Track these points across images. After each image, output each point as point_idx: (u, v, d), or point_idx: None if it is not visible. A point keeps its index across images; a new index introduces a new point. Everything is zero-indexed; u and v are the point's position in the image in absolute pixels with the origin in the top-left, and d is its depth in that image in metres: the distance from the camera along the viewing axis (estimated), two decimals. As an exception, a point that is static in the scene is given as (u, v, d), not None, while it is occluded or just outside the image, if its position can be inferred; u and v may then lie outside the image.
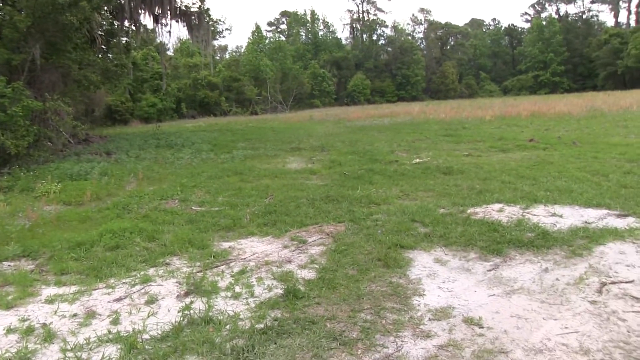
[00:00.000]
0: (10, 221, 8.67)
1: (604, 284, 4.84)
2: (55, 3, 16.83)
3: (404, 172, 11.60)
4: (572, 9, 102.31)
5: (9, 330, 4.42)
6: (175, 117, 55.07)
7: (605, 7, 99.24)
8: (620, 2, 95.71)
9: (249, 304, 4.73)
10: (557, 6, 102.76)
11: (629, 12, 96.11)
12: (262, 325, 4.20)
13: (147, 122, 48.26)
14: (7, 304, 5.00)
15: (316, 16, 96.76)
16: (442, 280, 5.16)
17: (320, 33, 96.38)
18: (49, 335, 4.26)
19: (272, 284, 5.20)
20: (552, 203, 8.09)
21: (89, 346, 4.06)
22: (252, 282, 5.27)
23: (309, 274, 5.42)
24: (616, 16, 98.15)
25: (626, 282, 4.87)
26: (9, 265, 6.38)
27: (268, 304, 4.67)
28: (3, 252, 6.75)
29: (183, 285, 5.24)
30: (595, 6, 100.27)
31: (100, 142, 24.70)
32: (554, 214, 7.44)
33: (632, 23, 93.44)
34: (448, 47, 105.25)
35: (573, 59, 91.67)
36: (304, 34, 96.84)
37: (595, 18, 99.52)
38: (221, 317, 4.42)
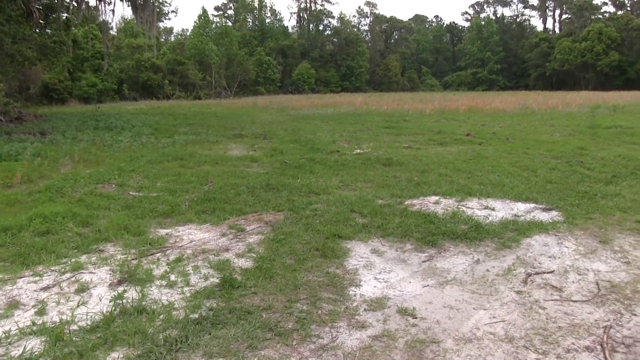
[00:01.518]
0: None
1: (529, 275, 5.07)
2: (-14, -30, 15.85)
3: (345, 163, 11.71)
4: (507, 12, 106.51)
5: None
6: (116, 98, 53.37)
7: (536, 13, 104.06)
8: (547, 10, 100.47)
9: (184, 293, 4.65)
10: (494, 8, 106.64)
11: (554, 20, 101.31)
12: (196, 315, 4.14)
13: (87, 102, 46.58)
14: None
15: (264, 3, 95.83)
16: (378, 270, 5.25)
17: (267, 20, 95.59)
18: (-32, 329, 4.01)
19: (209, 272, 5.13)
20: (486, 196, 8.39)
21: (8, 340, 3.80)
22: (188, 270, 5.18)
23: (246, 263, 5.39)
24: (544, 22, 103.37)
25: (548, 273, 5.13)
26: None
27: (204, 293, 4.60)
28: None
29: (116, 273, 5.08)
30: (527, 11, 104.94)
31: (34, 122, 23.54)
32: (486, 207, 7.71)
33: (557, 30, 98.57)
34: (392, 40, 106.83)
35: (508, 59, 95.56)
36: (250, 21, 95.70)
37: (527, 22, 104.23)
38: (155, 307, 4.32)
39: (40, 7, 23.97)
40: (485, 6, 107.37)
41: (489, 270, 5.21)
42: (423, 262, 5.49)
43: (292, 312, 4.23)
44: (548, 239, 6.19)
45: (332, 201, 8.01)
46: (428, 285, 4.86)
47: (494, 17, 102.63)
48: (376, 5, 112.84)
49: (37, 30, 24.24)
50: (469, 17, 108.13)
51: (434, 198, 8.31)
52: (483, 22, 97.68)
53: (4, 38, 19.70)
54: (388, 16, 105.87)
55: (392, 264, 5.43)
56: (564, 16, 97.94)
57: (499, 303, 4.47)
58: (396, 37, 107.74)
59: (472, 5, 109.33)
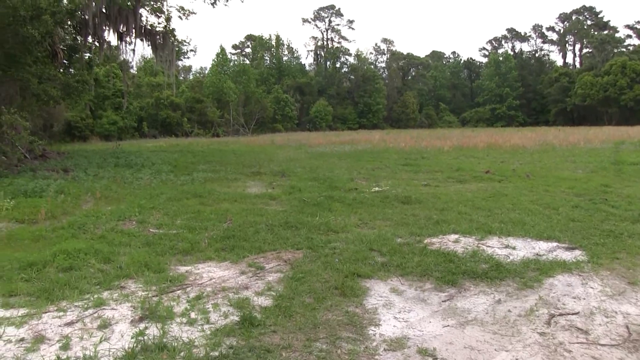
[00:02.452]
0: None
1: (552, 316, 4.99)
2: (16, 15, 16.48)
3: (363, 200, 11.72)
4: (526, 47, 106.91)
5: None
6: (136, 135, 54.38)
7: (555, 48, 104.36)
8: (567, 45, 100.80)
9: (205, 330, 4.66)
10: (512, 43, 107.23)
11: (574, 55, 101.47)
12: (217, 353, 4.15)
13: (108, 139, 47.51)
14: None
15: (281, 41, 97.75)
16: (397, 310, 5.21)
17: (285, 58, 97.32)
18: (-8, 362, 4.09)
19: (229, 310, 5.14)
20: (506, 235, 8.31)
21: (35, 374, 3.88)
22: (208, 308, 5.20)
23: (265, 301, 5.39)
24: (564, 57, 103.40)
25: (572, 314, 5.04)
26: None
27: (224, 331, 4.61)
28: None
29: (138, 310, 5.12)
30: (546, 46, 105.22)
31: (57, 159, 24.08)
32: (507, 246, 7.64)
33: (577, 64, 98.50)
34: (409, 77, 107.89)
35: (527, 94, 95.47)
36: (268, 59, 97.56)
37: (546, 57, 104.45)
38: (176, 344, 4.34)
39: (65, 48, 24.78)
40: (503, 42, 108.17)
41: (510, 311, 5.14)
42: (443, 301, 5.44)
43: (312, 351, 4.21)
44: (572, 279, 6.10)
45: (351, 239, 8.01)
46: (448, 325, 4.81)
47: (511, 53, 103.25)
48: (393, 42, 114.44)
49: (61, 70, 24.99)
50: (487, 53, 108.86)
51: (454, 236, 8.26)
52: (501, 58, 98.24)
53: (30, 78, 20.35)
54: (405, 53, 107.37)
55: (411, 303, 5.38)
56: (585, 50, 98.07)
57: (522, 345, 4.39)
58: (413, 73, 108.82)
59: (490, 41, 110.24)
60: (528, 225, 8.89)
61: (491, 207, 10.68)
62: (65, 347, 4.35)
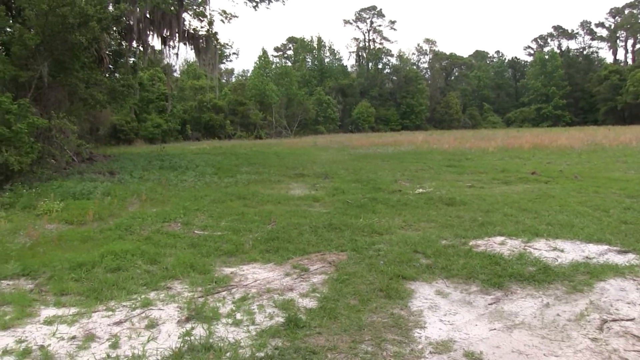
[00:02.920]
0: (10, 239, 8.69)
1: (604, 321, 4.84)
2: (65, 22, 17.07)
3: (407, 202, 11.64)
4: (573, 45, 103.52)
5: (5, 352, 4.39)
6: (179, 138, 55.38)
7: (605, 45, 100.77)
8: (618, 41, 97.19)
9: (250, 331, 4.73)
10: (559, 41, 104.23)
11: (626, 51, 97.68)
12: (262, 354, 4.20)
13: (152, 142, 48.53)
14: (4, 324, 4.97)
15: (322, 43, 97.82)
16: (443, 312, 5.16)
17: (326, 60, 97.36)
18: (46, 358, 4.25)
19: (274, 311, 5.20)
20: (554, 237, 8.11)
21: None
22: (253, 309, 5.27)
23: (310, 303, 5.42)
24: (614, 53, 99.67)
25: (627, 320, 4.87)
26: (7, 284, 6.38)
27: (269, 332, 4.67)
28: (2, 271, 6.74)
29: (184, 311, 5.23)
30: (595, 43, 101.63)
31: (104, 162, 24.79)
32: (555, 249, 7.45)
33: (630, 61, 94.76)
34: (452, 77, 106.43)
35: (574, 93, 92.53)
36: (310, 61, 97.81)
37: (595, 54, 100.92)
38: (222, 344, 4.42)
39: (110, 53, 25.50)
40: (548, 40, 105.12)
41: (559, 315, 5.01)
42: (489, 304, 5.35)
43: (357, 353, 4.22)
44: (625, 284, 5.90)
45: (395, 241, 7.97)
46: (495, 329, 4.73)
47: (558, 51, 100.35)
48: (435, 42, 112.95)
49: (107, 75, 25.72)
50: (532, 52, 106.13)
51: (500, 239, 8.11)
52: (547, 56, 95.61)
53: (78, 83, 21.02)
54: (448, 53, 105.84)
55: (457, 306, 5.32)
56: (638, 46, 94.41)
57: (572, 350, 4.28)
58: (456, 73, 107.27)
59: (535, 39, 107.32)
60: (577, 228, 8.64)
61: (538, 209, 10.43)
62: (115, 345, 4.50)
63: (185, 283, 6.20)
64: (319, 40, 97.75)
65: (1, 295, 5.85)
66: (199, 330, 4.73)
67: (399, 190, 13.81)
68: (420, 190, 13.85)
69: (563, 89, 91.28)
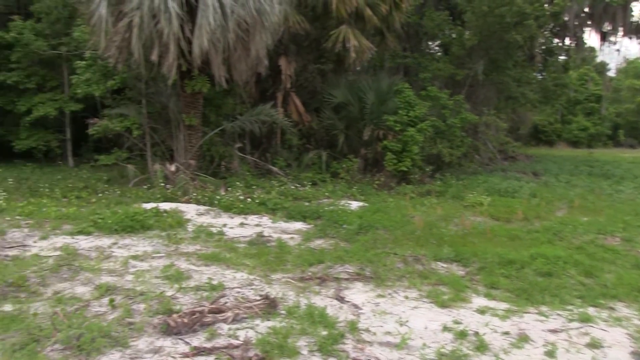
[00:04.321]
0: (444, 225, 9.45)
1: None
2: (503, 22, 17.68)
3: None
4: None
5: (445, 329, 4.69)
6: (608, 144, 50.64)
7: None
8: None
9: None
10: None
11: None
12: None
13: (575, 146, 46.03)
14: (442, 303, 5.36)
15: None
16: None
17: None
18: (481, 345, 4.35)
19: None
20: None
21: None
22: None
23: None
24: None
25: None
26: (442, 266, 6.92)
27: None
28: (438, 253, 7.35)
29: (637, 341, 4.57)
30: None
31: (526, 161, 24.69)
32: None
33: None
34: None
35: None
36: None
37: None
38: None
39: (541, 52, 25.00)
40: None
41: None
42: None
43: None
44: None
45: None
46: None
47: None
48: None
49: (539, 74, 25.39)
50: None
51: None
52: None
53: (510, 82, 21.45)
54: None
55: None
56: None
57: None
58: None
59: None
60: None
61: None
62: (551, 354, 4.27)
63: (632, 308, 5.46)
64: None
65: (438, 275, 6.37)
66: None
67: None
68: None
69: None
